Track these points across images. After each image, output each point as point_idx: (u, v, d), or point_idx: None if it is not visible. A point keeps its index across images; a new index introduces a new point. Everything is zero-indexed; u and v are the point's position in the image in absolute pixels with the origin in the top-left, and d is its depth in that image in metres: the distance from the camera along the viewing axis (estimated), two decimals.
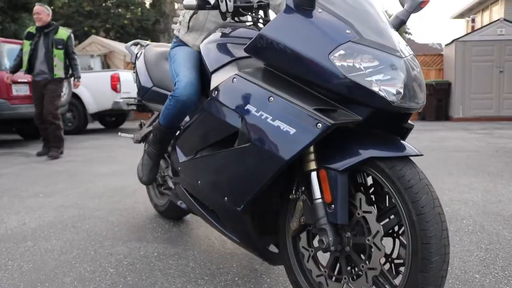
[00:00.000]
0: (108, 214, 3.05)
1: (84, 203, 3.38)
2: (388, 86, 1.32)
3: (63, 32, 5.98)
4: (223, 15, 1.73)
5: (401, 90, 1.33)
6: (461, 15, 20.23)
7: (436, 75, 12.47)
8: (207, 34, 2.07)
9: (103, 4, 21.41)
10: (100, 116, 9.89)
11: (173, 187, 2.47)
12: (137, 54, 2.92)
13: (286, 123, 1.41)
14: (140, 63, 2.76)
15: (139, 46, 3.09)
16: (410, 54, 1.44)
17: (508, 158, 5.28)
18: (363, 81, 1.32)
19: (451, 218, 2.86)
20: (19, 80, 6.81)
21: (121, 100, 8.98)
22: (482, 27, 11.85)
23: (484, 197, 3.40)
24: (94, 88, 9.06)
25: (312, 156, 1.46)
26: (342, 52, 1.34)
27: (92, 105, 9.12)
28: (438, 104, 11.71)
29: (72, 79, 6.07)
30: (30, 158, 5.79)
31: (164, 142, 2.30)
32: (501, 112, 11.30)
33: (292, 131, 1.39)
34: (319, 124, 1.34)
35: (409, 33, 37.51)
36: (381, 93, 1.31)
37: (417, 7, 1.61)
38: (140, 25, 21.82)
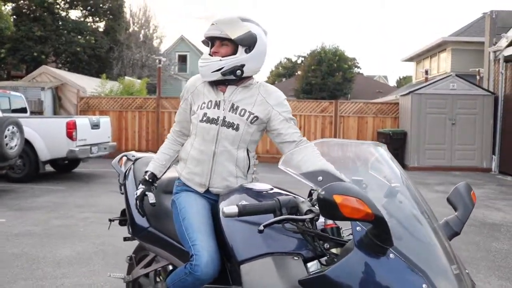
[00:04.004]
0: None
1: None
2: None
3: None
4: None
5: None
6: (410, 59, 21.29)
7: (392, 123, 12.84)
8: (225, 192, 1.93)
9: (55, 30, 20.57)
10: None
11: None
12: (125, 172, 2.65)
13: None
14: (130, 188, 2.49)
15: (125, 159, 2.80)
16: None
17: (477, 236, 5.39)
18: None
19: None
20: None
21: (77, 149, 8.50)
22: (436, 81, 12.41)
23: None
24: (48, 134, 8.52)
25: None
26: None
27: (45, 152, 8.54)
28: (394, 152, 11.98)
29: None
30: None
31: None
32: (453, 163, 11.79)
33: None
34: None
35: (358, 67, 39.11)
36: None
37: None
38: (93, 52, 21.14)
